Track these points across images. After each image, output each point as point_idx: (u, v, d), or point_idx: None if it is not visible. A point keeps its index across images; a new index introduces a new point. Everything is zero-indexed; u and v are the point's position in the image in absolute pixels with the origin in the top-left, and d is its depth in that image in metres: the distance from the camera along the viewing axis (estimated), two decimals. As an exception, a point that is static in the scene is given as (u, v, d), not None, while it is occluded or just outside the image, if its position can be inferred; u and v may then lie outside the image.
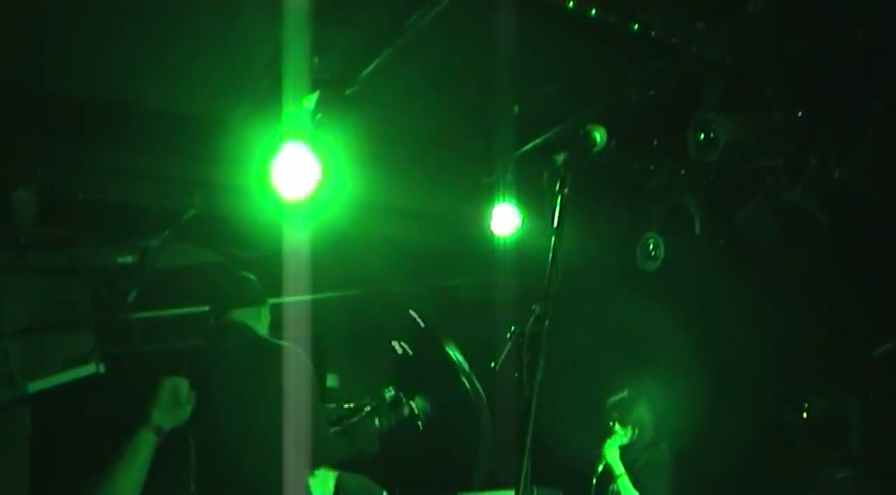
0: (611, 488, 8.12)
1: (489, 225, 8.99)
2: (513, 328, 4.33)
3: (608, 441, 8.13)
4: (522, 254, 9.04)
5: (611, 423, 8.19)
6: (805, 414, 8.44)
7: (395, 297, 10.38)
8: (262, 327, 6.73)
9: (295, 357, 6.31)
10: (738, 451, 8.78)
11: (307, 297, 8.27)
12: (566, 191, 4.42)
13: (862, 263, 8.35)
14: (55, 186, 8.76)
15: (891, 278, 8.01)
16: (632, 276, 8.95)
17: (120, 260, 9.25)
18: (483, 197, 9.07)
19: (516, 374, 4.32)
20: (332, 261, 9.13)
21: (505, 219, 8.97)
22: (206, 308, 10.07)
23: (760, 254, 8.83)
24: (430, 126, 8.69)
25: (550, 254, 4.29)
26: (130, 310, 9.82)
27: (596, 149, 4.64)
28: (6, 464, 9.81)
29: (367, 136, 8.34)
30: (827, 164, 7.88)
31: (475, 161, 9.10)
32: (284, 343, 6.58)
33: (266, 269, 8.31)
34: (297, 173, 7.55)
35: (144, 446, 4.87)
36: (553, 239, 4.29)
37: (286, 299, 8.47)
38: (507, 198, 8.94)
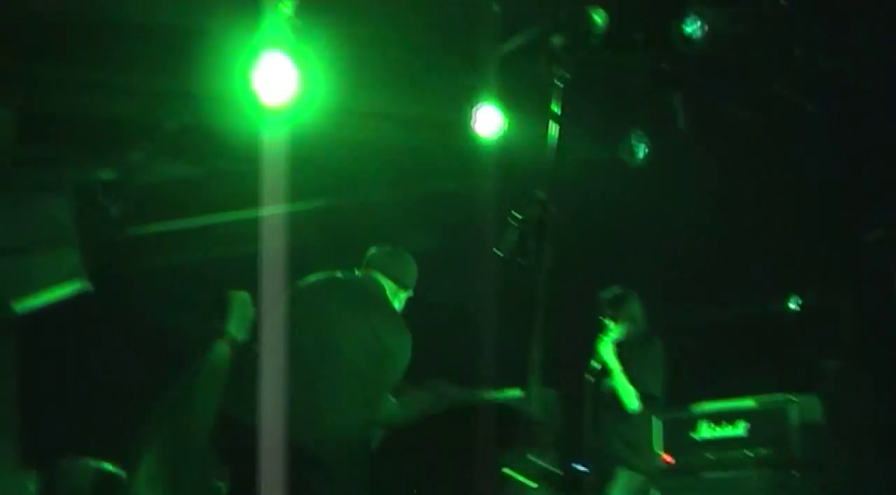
0: (606, 383, 8.12)
1: (472, 127, 8.91)
2: (517, 214, 4.28)
3: (602, 337, 8.11)
4: (506, 155, 8.98)
5: (604, 319, 8.17)
6: (797, 306, 8.46)
7: (376, 207, 10.34)
8: None
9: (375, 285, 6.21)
10: (729, 344, 8.83)
11: (286, 208, 8.20)
12: (567, 75, 4.35)
13: (851, 153, 8.34)
14: (35, 104, 8.67)
15: (879, 167, 8.01)
16: (618, 172, 8.92)
17: (103, 176, 9.18)
18: (466, 99, 8.99)
19: (521, 261, 4.28)
20: (312, 167, 9.09)
21: (488, 121, 8.89)
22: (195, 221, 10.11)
23: (747, 148, 8.82)
24: (410, 28, 8.59)
25: (555, 140, 4.23)
26: (116, 226, 9.75)
27: (597, 32, 4.56)
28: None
29: (346, 41, 8.24)
30: (813, 54, 7.84)
31: (457, 63, 9.01)
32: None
33: (248, 180, 8.25)
34: (277, 80, 7.47)
35: (222, 359, 4.81)
36: (556, 125, 4.23)
37: (266, 210, 8.43)
38: (490, 99, 8.85)
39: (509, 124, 8.92)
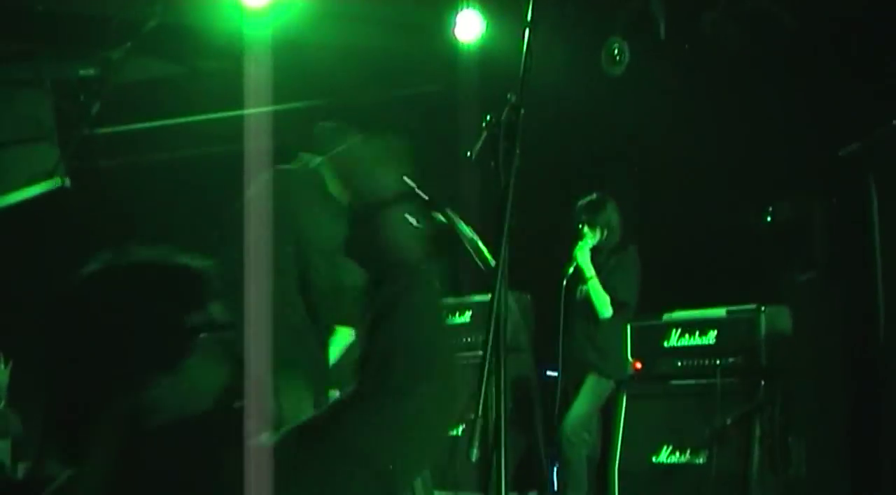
0: (580, 289, 8.19)
1: (453, 31, 8.90)
2: (488, 117, 4.29)
3: (578, 243, 8.15)
4: (486, 59, 8.98)
5: (580, 226, 8.20)
6: (768, 218, 8.51)
7: (358, 109, 10.31)
8: None
9: None
10: (701, 255, 8.89)
11: (269, 108, 8.19)
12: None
13: (827, 67, 8.35)
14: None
15: (856, 81, 8.03)
16: (597, 81, 8.92)
17: (82, 72, 9.17)
18: (446, 2, 8.97)
19: (492, 163, 4.29)
20: (293, 70, 9.07)
21: (469, 25, 8.89)
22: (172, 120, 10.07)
23: (725, 58, 8.83)
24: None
25: (525, 44, 4.22)
26: (95, 124, 9.75)
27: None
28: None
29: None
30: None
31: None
32: None
33: (228, 80, 8.24)
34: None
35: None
36: (527, 29, 4.22)
37: (248, 110, 8.43)
38: (470, 3, 8.84)
39: (489, 29, 8.91)
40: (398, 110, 10.40)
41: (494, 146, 4.37)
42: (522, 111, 4.23)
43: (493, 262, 5.62)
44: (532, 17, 4.27)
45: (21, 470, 9.36)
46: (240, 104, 8.73)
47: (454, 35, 8.95)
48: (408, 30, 9.48)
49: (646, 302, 8.32)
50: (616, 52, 8.79)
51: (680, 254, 8.83)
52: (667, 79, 9.17)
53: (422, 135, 10.15)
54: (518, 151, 4.22)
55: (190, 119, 10.36)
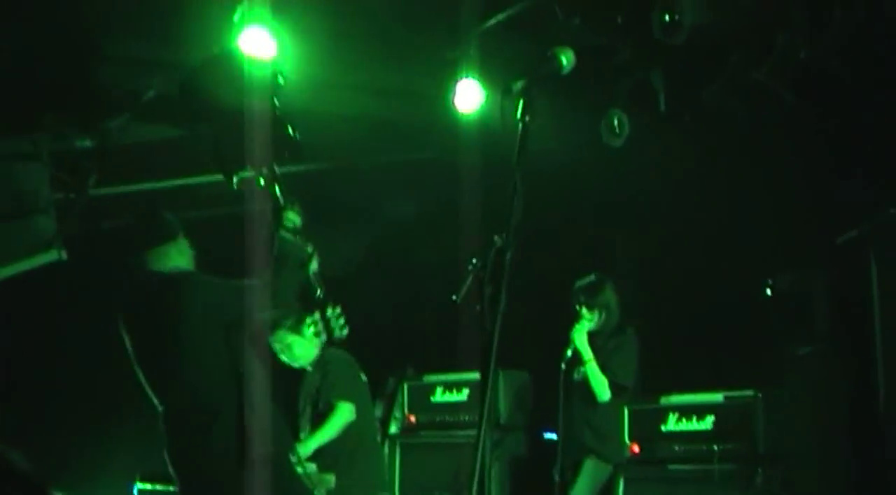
0: (579, 371, 8.15)
1: (453, 101, 8.88)
2: (473, 261, 4.28)
3: (576, 326, 8.12)
4: (486, 129, 8.95)
5: (578, 307, 8.18)
6: (769, 292, 8.48)
7: (356, 174, 10.31)
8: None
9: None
10: (701, 331, 8.86)
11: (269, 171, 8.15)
12: (527, 119, 4.30)
13: (828, 146, 8.32)
14: (10, 70, 8.60)
15: (857, 159, 7.99)
16: (597, 152, 8.89)
17: (80, 143, 9.14)
18: (447, 73, 8.94)
19: (477, 308, 4.28)
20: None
21: (468, 95, 8.85)
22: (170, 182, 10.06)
23: (726, 133, 8.79)
24: (392, 1, 8.54)
25: (513, 186, 4.21)
26: (92, 188, 9.73)
27: (563, 73, 4.49)
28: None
29: (328, 13, 8.19)
30: (795, 44, 7.78)
31: (439, 36, 8.94)
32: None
33: (229, 141, 8.21)
34: (258, 52, 7.43)
35: None
36: (515, 171, 4.20)
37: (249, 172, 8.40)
38: (470, 73, 8.80)
39: (489, 99, 8.88)
40: (400, 174, 10.40)
41: (480, 290, 4.36)
42: (509, 255, 4.22)
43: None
44: (521, 152, 4.27)
45: None
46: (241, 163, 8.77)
47: (454, 104, 8.91)
48: (407, 99, 9.44)
49: (644, 382, 8.29)
50: (616, 123, 8.73)
51: (680, 332, 8.80)
52: (667, 151, 9.14)
53: (424, 198, 10.20)
54: (504, 296, 4.20)
55: (190, 180, 10.33)
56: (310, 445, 8.00)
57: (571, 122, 9.06)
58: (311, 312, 5.97)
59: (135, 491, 8.49)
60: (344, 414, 8.08)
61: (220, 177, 9.90)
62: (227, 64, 7.53)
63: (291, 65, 7.93)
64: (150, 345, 6.00)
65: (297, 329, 8.15)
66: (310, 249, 6.08)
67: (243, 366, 5.83)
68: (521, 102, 4.36)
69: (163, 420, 6.00)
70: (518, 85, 4.37)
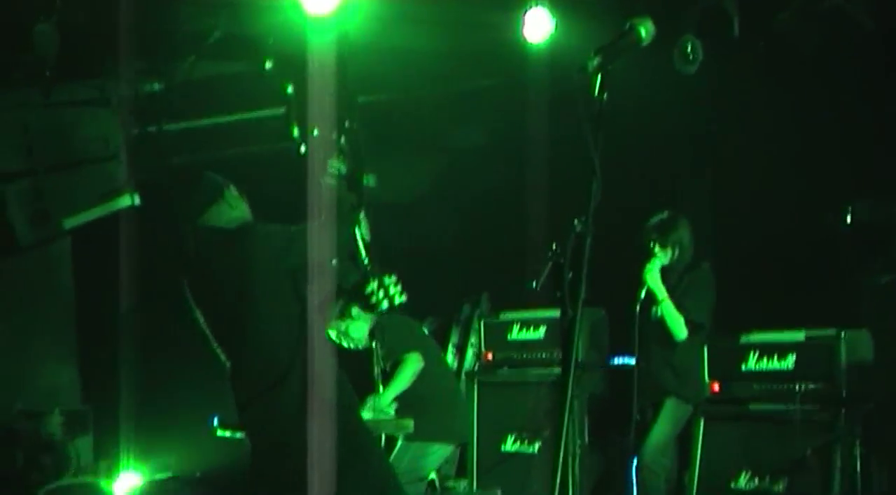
0: (654, 311, 8.05)
1: (522, 30, 8.74)
2: (553, 246, 4.21)
3: (648, 264, 8.00)
4: (555, 59, 8.82)
5: (650, 245, 8.06)
6: (848, 219, 8.33)
7: (422, 104, 10.21)
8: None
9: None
10: (779, 264, 8.73)
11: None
12: (605, 98, 4.17)
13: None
14: (76, 16, 8.57)
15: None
16: (670, 80, 8.73)
17: (147, 87, 9.13)
18: (515, 1, 8.79)
19: (557, 293, 4.21)
20: (359, 71, 8.97)
21: (538, 25, 8.70)
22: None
23: (801, 57, 8.60)
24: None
25: (591, 168, 4.10)
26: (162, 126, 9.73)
27: (642, 45, 4.34)
28: (52, 308, 9.93)
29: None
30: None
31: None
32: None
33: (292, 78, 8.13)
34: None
35: None
36: (593, 153, 4.09)
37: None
38: (539, 1, 8.65)
39: (558, 28, 8.73)
40: (468, 104, 10.29)
41: (560, 276, 4.29)
42: (589, 240, 4.13)
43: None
44: (596, 133, 4.15)
45: (103, 467, 9.49)
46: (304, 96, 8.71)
47: (523, 34, 8.77)
48: (475, 30, 9.30)
49: (721, 320, 8.18)
50: (689, 50, 8.56)
51: (756, 266, 8.67)
52: (741, 77, 8.97)
53: (490, 129, 10.12)
54: (584, 282, 4.13)
55: (254, 115, 10.27)
56: (386, 397, 8.02)
57: (643, 50, 8.90)
58: (367, 283, 5.88)
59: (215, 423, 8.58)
60: (412, 363, 8.08)
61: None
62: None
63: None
64: (219, 304, 5.98)
65: (343, 314, 8.14)
66: (360, 215, 6.01)
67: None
68: (598, 79, 4.23)
69: (231, 376, 6.01)
70: (594, 61, 4.23)
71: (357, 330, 7.99)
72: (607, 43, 4.28)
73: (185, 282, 6.06)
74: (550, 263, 4.38)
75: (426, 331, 8.76)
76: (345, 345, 7.92)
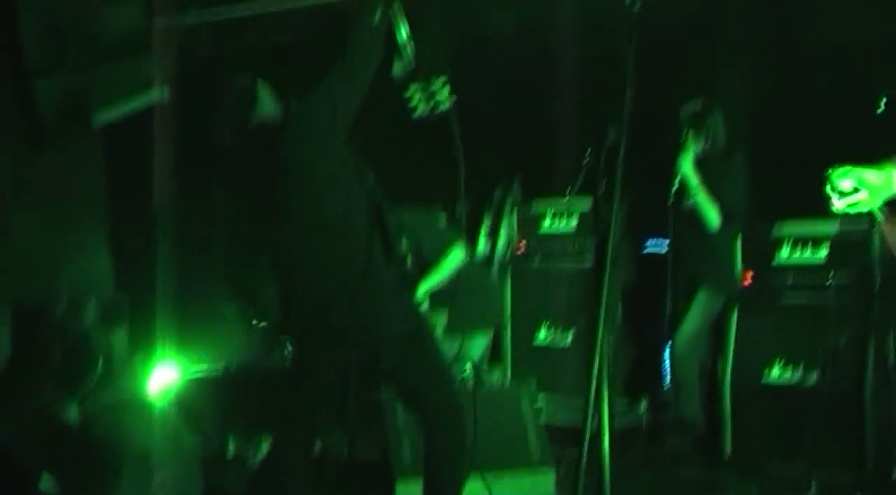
0: (687, 200, 8.00)
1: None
2: (587, 152, 4.20)
3: (682, 153, 7.93)
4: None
5: (684, 134, 7.98)
6: (884, 106, 8.23)
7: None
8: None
9: None
10: (816, 138, 8.63)
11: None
12: (637, 8, 4.13)
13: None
14: None
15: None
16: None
17: (178, -21, 9.06)
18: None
19: (593, 199, 4.23)
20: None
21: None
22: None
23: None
24: None
25: (624, 75, 4.08)
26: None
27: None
28: (83, 200, 9.94)
29: None
30: None
31: None
32: None
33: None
34: None
35: None
36: (628, 59, 4.06)
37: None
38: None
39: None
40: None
41: (595, 181, 4.29)
42: (622, 149, 4.12)
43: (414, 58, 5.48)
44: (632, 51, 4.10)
45: (139, 358, 9.59)
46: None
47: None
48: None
49: (757, 208, 8.13)
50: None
51: (792, 152, 8.58)
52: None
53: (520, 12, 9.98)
54: (618, 191, 4.13)
55: (279, 6, 10.14)
56: (422, 288, 8.00)
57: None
58: (409, 85, 5.62)
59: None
60: (456, 255, 8.05)
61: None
62: None
63: None
64: (266, 201, 5.90)
65: None
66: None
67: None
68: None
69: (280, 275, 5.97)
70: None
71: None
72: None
73: (224, 185, 6.02)
74: (584, 170, 4.37)
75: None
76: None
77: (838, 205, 4.66)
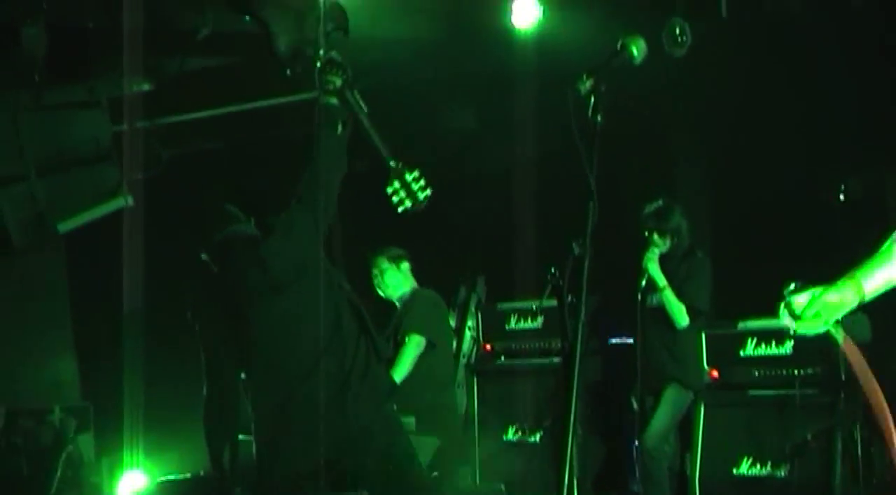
0: (654, 298, 8.05)
1: (509, 18, 8.73)
2: (552, 270, 4.25)
3: (647, 252, 8.01)
4: (542, 46, 8.82)
5: (647, 233, 8.06)
6: (842, 196, 8.36)
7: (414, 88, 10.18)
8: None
9: None
10: (774, 241, 8.75)
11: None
12: (599, 119, 4.18)
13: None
14: (63, 18, 8.53)
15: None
16: (659, 63, 8.72)
17: (136, 88, 9.10)
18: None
19: (559, 316, 4.27)
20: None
21: (525, 12, 8.70)
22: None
23: (789, 34, 8.61)
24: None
25: (587, 190, 4.12)
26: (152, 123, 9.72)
27: (635, 64, 4.36)
28: (48, 305, 9.93)
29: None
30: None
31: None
32: None
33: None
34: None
35: None
36: (589, 175, 4.11)
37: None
38: (526, -11, 8.64)
39: (546, 15, 8.72)
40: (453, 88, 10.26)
41: (560, 299, 4.33)
42: (587, 262, 4.16)
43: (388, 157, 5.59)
44: (590, 158, 4.15)
45: (105, 464, 9.51)
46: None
47: (511, 22, 8.77)
48: (462, 18, 9.28)
49: (718, 305, 8.22)
50: (678, 32, 8.54)
51: (751, 250, 8.71)
52: (731, 58, 8.97)
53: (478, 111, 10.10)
54: (584, 305, 4.16)
55: (241, 106, 10.23)
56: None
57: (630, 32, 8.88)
58: (389, 183, 5.70)
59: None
60: (412, 347, 8.08)
61: (271, 101, 9.91)
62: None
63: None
64: (239, 307, 5.90)
65: (396, 262, 8.28)
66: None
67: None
68: (592, 101, 4.24)
69: (251, 379, 5.96)
70: (587, 84, 4.24)
71: (394, 280, 8.44)
72: (599, 63, 4.31)
73: (196, 295, 6.04)
74: (550, 286, 4.42)
75: (450, 322, 8.81)
76: (375, 284, 8.37)
77: (793, 327, 4.69)
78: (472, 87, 10.25)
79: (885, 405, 4.41)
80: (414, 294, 8.45)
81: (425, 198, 5.65)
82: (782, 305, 4.31)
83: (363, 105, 5.81)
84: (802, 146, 8.72)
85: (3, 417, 9.06)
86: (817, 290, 4.20)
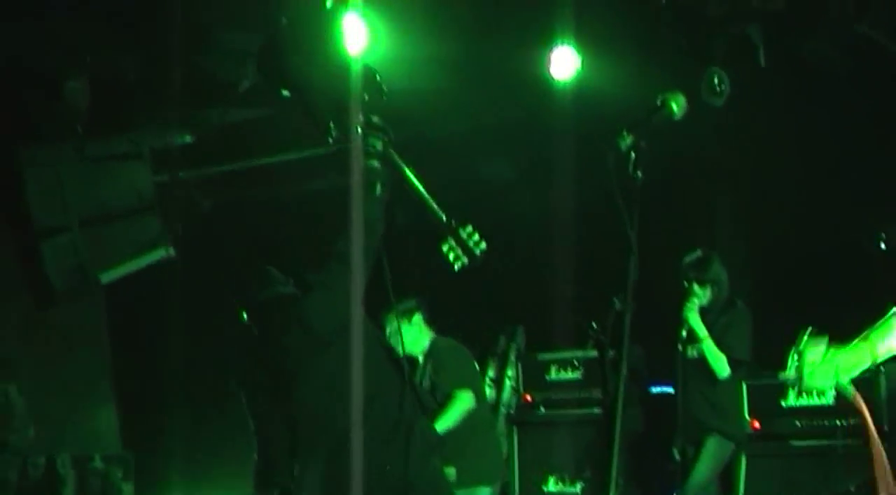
0: (694, 349, 8.01)
1: (547, 68, 8.76)
2: (592, 324, 4.26)
3: (687, 303, 7.98)
4: (581, 97, 8.84)
5: (687, 284, 8.04)
6: (882, 245, 8.33)
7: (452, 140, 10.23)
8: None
9: None
10: (815, 289, 8.72)
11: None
12: (639, 175, 4.20)
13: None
14: (106, 71, 8.63)
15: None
16: (698, 112, 8.73)
17: (179, 140, 9.19)
18: (541, 41, 8.80)
19: (600, 369, 4.29)
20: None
21: (564, 63, 8.73)
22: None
23: (829, 85, 8.61)
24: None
25: (627, 246, 4.13)
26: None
27: (675, 120, 4.38)
28: (88, 355, 10.01)
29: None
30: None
31: (533, 3, 8.81)
32: None
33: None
34: (349, 33, 7.34)
35: None
36: (630, 231, 4.12)
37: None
38: (565, 40, 8.67)
39: (584, 65, 8.75)
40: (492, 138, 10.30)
41: (602, 354, 4.35)
42: (628, 317, 4.16)
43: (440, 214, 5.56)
44: (633, 217, 4.16)
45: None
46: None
47: (549, 73, 8.80)
48: (501, 70, 9.31)
49: (759, 355, 8.18)
50: (716, 82, 8.55)
51: (792, 299, 8.67)
52: (769, 106, 8.97)
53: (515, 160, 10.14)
54: (625, 360, 4.16)
55: (281, 157, 10.29)
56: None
57: (669, 82, 8.90)
58: (444, 240, 5.68)
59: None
60: (465, 402, 8.04)
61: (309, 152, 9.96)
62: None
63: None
64: (279, 368, 5.92)
65: (407, 317, 8.21)
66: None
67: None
68: (632, 157, 4.25)
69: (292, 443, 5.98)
70: (627, 140, 4.26)
71: (411, 336, 8.08)
72: (639, 119, 4.32)
73: (240, 363, 6.06)
74: (591, 341, 4.43)
75: (476, 366, 8.74)
76: (392, 343, 8.02)
77: (796, 379, 4.66)
78: (510, 137, 10.28)
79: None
80: (436, 346, 8.38)
81: (481, 253, 5.64)
82: (793, 353, 4.31)
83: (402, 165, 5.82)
84: (842, 194, 8.69)
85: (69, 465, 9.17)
86: (832, 350, 4.20)
